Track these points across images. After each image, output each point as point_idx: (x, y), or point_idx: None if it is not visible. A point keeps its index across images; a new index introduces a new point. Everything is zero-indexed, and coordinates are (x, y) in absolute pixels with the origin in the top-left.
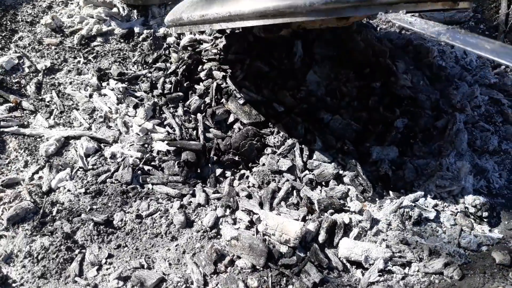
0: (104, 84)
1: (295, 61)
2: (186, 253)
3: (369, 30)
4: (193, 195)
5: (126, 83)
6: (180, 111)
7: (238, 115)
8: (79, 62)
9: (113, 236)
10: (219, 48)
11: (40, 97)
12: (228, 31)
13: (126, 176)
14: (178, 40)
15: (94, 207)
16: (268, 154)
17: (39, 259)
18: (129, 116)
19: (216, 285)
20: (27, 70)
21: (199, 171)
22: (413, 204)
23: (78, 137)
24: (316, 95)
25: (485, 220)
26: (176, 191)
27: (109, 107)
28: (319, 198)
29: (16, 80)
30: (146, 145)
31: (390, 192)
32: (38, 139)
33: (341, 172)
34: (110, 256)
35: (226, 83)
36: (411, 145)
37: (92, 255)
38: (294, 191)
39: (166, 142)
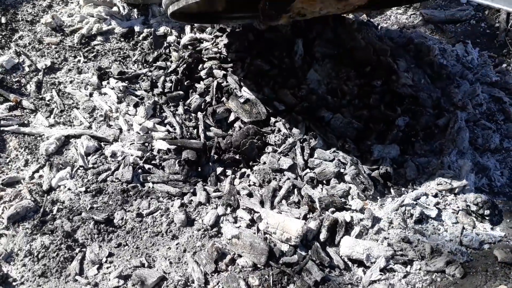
0: (104, 83)
1: (296, 60)
2: (187, 251)
3: (370, 29)
4: (194, 193)
5: (126, 82)
6: (180, 109)
7: (238, 113)
8: (79, 61)
9: (114, 235)
10: (219, 47)
11: (40, 96)
12: (228, 30)
13: (127, 175)
14: (178, 39)
15: (95, 205)
16: (269, 153)
17: (40, 258)
18: (130, 115)
19: (217, 284)
20: (27, 69)
21: (199, 169)
22: (415, 202)
23: (78, 136)
24: (317, 94)
25: (487, 218)
26: (176, 190)
27: (110, 106)
28: (320, 196)
29: (16, 79)
30: (146, 144)
31: (392, 190)
32: (38, 138)
33: (342, 170)
34: (110, 254)
35: (227, 82)
36: (413, 143)
37: (93, 253)
38: (295, 190)
39: (166, 140)
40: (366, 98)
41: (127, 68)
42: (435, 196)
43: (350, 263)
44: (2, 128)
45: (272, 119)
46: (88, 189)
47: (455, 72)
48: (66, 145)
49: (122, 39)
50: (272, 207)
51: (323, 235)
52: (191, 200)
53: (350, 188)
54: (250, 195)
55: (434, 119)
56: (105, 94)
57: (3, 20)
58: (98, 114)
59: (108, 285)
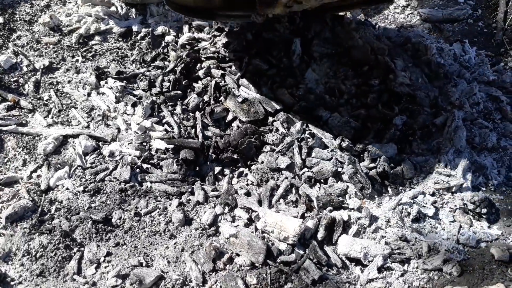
0: (102, 82)
1: (294, 59)
2: (185, 250)
3: (368, 28)
4: (192, 193)
5: (124, 81)
6: (178, 109)
7: (236, 113)
8: (77, 61)
9: (112, 234)
10: (217, 46)
11: (38, 96)
12: (226, 29)
13: (125, 174)
14: (176, 39)
15: (93, 205)
16: (267, 152)
17: (38, 258)
18: (128, 114)
19: (215, 282)
20: (25, 69)
21: (197, 169)
22: (412, 201)
23: (76, 136)
24: (315, 93)
25: (484, 216)
26: (174, 189)
27: (108, 106)
28: (318, 195)
29: (14, 79)
30: (144, 144)
31: (389, 189)
32: (36, 138)
33: (340, 169)
34: (108, 254)
35: (225, 81)
36: (410, 142)
37: (91, 253)
38: (293, 189)
39: (164, 140)
40: (363, 97)
41: (125, 67)
42: (433, 194)
43: (347, 262)
44: (0, 128)
45: (270, 119)
46: (86, 189)
47: (453, 71)
48: (64, 145)
49: (120, 39)
50: (270, 206)
51: (320, 234)
52: (189, 200)
53: (347, 187)
54: (248, 194)
55: (432, 118)
56: (103, 93)
57: (1, 20)
58: (96, 113)
59: (106, 284)
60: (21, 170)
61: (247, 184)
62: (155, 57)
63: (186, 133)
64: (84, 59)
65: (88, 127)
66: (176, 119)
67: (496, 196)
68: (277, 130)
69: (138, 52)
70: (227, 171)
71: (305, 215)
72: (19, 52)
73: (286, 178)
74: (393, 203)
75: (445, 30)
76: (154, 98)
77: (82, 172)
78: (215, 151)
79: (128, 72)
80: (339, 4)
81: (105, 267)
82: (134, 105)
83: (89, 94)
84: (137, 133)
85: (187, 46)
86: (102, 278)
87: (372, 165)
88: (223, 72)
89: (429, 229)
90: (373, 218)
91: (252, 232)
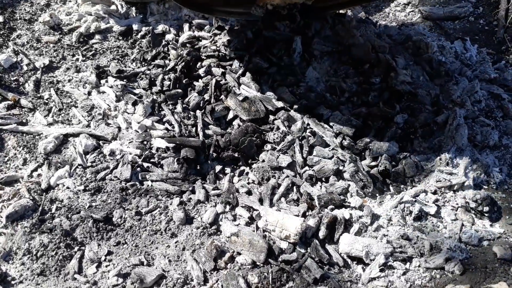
0: (102, 81)
1: (295, 57)
2: (186, 249)
3: (369, 26)
4: (193, 191)
5: (124, 80)
6: (179, 108)
7: (237, 111)
8: (77, 59)
9: (113, 233)
10: (218, 45)
11: (38, 95)
12: (227, 28)
13: (125, 173)
14: (176, 37)
15: (93, 204)
16: (267, 151)
17: (38, 257)
18: (128, 113)
19: (216, 281)
20: (25, 68)
21: (198, 167)
22: (414, 199)
23: (77, 135)
24: (316, 91)
25: (486, 215)
26: (175, 188)
27: (108, 105)
28: (319, 194)
29: (14, 78)
30: (145, 142)
31: (391, 188)
32: (36, 137)
33: (341, 168)
34: (109, 253)
35: (225, 80)
36: (411, 140)
37: (92, 252)
38: (294, 187)
39: (165, 139)
40: (364, 95)
41: (126, 66)
42: (434, 193)
43: (349, 260)
44: (0, 127)
45: (271, 117)
46: (87, 188)
47: (454, 69)
48: (65, 144)
49: (120, 38)
50: (271, 204)
51: (322, 233)
52: (190, 198)
53: (349, 185)
54: (249, 193)
55: (433, 116)
56: (103, 92)
57: (1, 19)
58: (97, 112)
59: (107, 283)
60: (21, 169)
61: (248, 183)
62: (155, 55)
63: (187, 131)
64: (84, 58)
65: (88, 126)
66: (176, 117)
67: (498, 194)
68: (278, 128)
69: (138, 50)
70: (228, 170)
71: (307, 214)
72: (19, 51)
73: (287, 176)
74: (395, 202)
75: (446, 27)
76: (154, 97)
77: (82, 171)
78: (216, 149)
79: (128, 71)
80: None
81: (106, 266)
82: (134, 103)
83: (89, 93)
84: (138, 132)
85: (187, 45)
86: (103, 277)
87: (373, 163)
88: (223, 70)
89: (431, 227)
90: (375, 217)
91: (254, 231)
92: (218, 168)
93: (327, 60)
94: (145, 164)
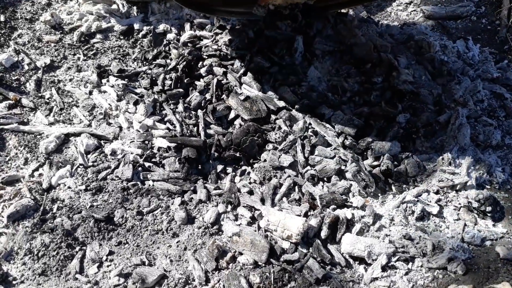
0: (104, 81)
1: (296, 57)
2: (188, 249)
3: (370, 25)
4: (194, 191)
5: (126, 79)
6: (180, 107)
7: (239, 111)
8: (78, 59)
9: (114, 233)
10: (219, 44)
11: (39, 94)
12: (228, 27)
13: (127, 173)
14: (178, 37)
15: (95, 204)
16: (269, 150)
17: (40, 256)
18: (130, 112)
19: (218, 281)
20: (26, 67)
21: (200, 167)
22: (416, 199)
23: (78, 134)
24: (317, 91)
25: (489, 214)
26: (177, 188)
27: (109, 104)
28: (321, 193)
29: (15, 78)
30: (146, 142)
31: (393, 187)
32: (38, 136)
33: (343, 167)
34: (110, 253)
35: (227, 79)
36: (414, 140)
37: (93, 252)
38: (296, 187)
39: (166, 138)
40: (366, 95)
41: (127, 66)
42: (437, 193)
43: (351, 260)
44: (1, 127)
45: (273, 117)
46: (88, 187)
47: (456, 69)
48: (66, 143)
49: (121, 37)
50: (273, 204)
51: (324, 233)
52: (192, 198)
53: (351, 185)
54: (250, 192)
55: (435, 116)
56: (104, 92)
57: (2, 18)
58: (98, 112)
59: (109, 283)
60: (22, 169)
61: (250, 183)
62: (156, 55)
63: (188, 131)
64: (85, 57)
65: (90, 125)
66: (178, 117)
67: (500, 194)
68: (279, 128)
69: (139, 50)
70: (229, 170)
71: (308, 214)
72: (21, 50)
73: (289, 176)
74: (397, 201)
75: (448, 27)
76: (156, 96)
77: (84, 171)
78: (218, 149)
79: (129, 70)
80: None
81: (108, 266)
82: (136, 103)
83: (90, 93)
84: (139, 131)
85: (189, 44)
86: (105, 277)
87: (375, 163)
88: (225, 70)
89: (434, 227)
90: (377, 217)
91: (255, 231)
92: (219, 167)
93: (328, 60)
94: (147, 164)
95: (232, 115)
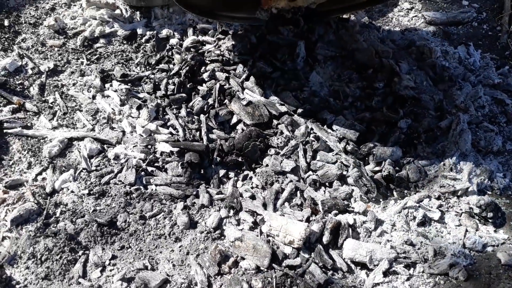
0: (107, 85)
1: (298, 62)
2: (190, 254)
3: (372, 31)
4: (197, 196)
5: (129, 84)
6: (183, 112)
7: (241, 116)
8: (82, 63)
9: (117, 237)
10: (222, 49)
11: (43, 99)
12: (231, 32)
13: (130, 177)
14: (181, 42)
15: (98, 208)
16: (271, 155)
17: (43, 261)
18: (133, 117)
19: (220, 286)
20: (30, 71)
21: (202, 172)
22: (418, 205)
23: (81, 138)
24: (319, 96)
25: (490, 220)
26: (179, 192)
27: (112, 108)
28: (323, 199)
29: (19, 82)
30: (149, 146)
31: (394, 193)
32: (41, 141)
33: (345, 172)
34: (113, 257)
35: (229, 84)
36: (415, 145)
37: (96, 256)
38: (298, 192)
39: (169, 143)
40: (368, 100)
41: (130, 70)
42: (438, 198)
43: (353, 266)
44: (5, 131)
45: (275, 121)
46: (91, 192)
47: (457, 74)
48: (69, 148)
49: (124, 42)
50: (275, 209)
51: (326, 238)
52: (194, 203)
53: (352, 190)
54: (252, 197)
55: (437, 121)
56: (108, 96)
57: (6, 23)
58: (101, 116)
59: (111, 287)
60: (26, 173)
61: (252, 187)
62: (159, 60)
63: (191, 136)
64: (89, 62)
65: (93, 130)
66: (181, 122)
67: (502, 200)
68: (281, 133)
69: (142, 55)
70: (231, 174)
71: (310, 219)
72: (24, 54)
73: (291, 181)
74: (399, 207)
75: (449, 33)
76: (159, 101)
77: (87, 175)
78: (220, 154)
79: (133, 75)
80: (342, 2)
81: (110, 271)
82: (139, 108)
83: (94, 97)
84: (142, 136)
85: (191, 49)
86: (107, 281)
87: (377, 168)
88: (227, 75)
89: (435, 233)
90: (379, 222)
91: (257, 236)
92: (222, 172)
93: (330, 65)
94: (149, 168)
95: (234, 120)
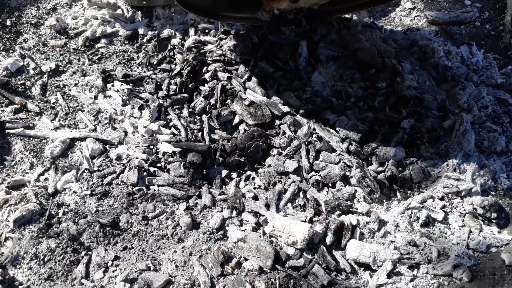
0: (109, 85)
1: (300, 62)
2: (193, 255)
3: (374, 31)
4: (199, 196)
5: (131, 84)
6: (185, 112)
7: (243, 116)
8: (83, 63)
9: (119, 238)
10: (223, 49)
11: (45, 99)
12: (232, 32)
13: (132, 178)
14: (182, 42)
15: (100, 208)
16: (274, 155)
17: (46, 261)
18: (135, 117)
19: (223, 287)
20: (32, 72)
21: (204, 172)
22: (421, 205)
23: (83, 139)
24: (322, 96)
25: (494, 221)
26: (182, 193)
27: (114, 109)
28: (326, 199)
29: (21, 82)
30: (151, 147)
31: (398, 193)
32: (43, 141)
33: (348, 173)
34: (116, 258)
35: (231, 84)
36: (418, 145)
37: (99, 257)
38: (301, 193)
39: (171, 143)
40: (371, 100)
41: (132, 70)
42: (441, 199)
43: (356, 267)
44: (7, 131)
45: (277, 122)
46: (94, 192)
47: (460, 74)
48: (71, 148)
49: (126, 42)
50: (278, 210)
51: (329, 239)
52: (197, 203)
53: (356, 191)
54: (255, 198)
55: (440, 121)
56: (109, 96)
57: (8, 23)
58: (103, 116)
59: None
60: (28, 173)
61: (255, 188)
62: (161, 60)
63: (193, 136)
64: (90, 62)
65: (95, 130)
66: (183, 122)
67: (505, 200)
68: (284, 133)
69: (144, 55)
70: (234, 175)
71: (313, 220)
72: (26, 55)
73: (294, 182)
74: (402, 208)
75: (452, 32)
76: (161, 101)
77: (89, 176)
78: (222, 154)
79: (134, 75)
80: (345, 1)
81: (113, 271)
82: (141, 108)
83: (95, 97)
84: (144, 136)
85: (193, 49)
86: (110, 282)
87: (380, 168)
88: (229, 75)
89: (439, 234)
90: (382, 223)
91: (260, 237)
92: (224, 172)
93: (333, 65)
94: (152, 169)
95: (236, 120)
